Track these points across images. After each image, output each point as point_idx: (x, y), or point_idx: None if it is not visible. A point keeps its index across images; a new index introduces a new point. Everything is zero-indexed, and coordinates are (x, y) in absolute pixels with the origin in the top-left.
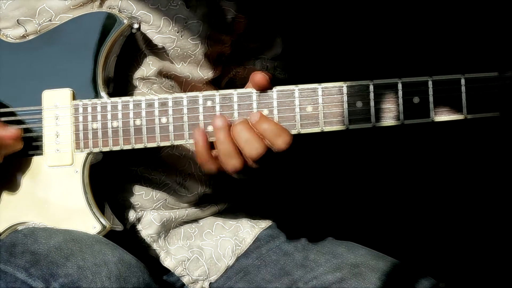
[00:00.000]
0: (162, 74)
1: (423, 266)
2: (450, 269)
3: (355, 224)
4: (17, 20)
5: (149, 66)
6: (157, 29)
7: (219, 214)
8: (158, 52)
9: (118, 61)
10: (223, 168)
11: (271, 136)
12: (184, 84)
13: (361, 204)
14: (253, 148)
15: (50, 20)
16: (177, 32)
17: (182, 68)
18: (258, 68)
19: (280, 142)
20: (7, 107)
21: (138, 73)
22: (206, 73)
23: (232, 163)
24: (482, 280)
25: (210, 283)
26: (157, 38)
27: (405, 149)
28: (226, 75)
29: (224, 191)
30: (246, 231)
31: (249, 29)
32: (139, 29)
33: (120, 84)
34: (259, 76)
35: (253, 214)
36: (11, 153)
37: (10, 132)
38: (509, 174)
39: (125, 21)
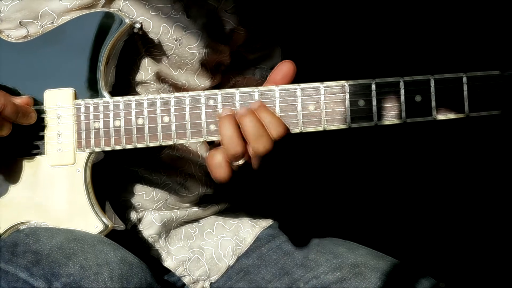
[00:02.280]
0: (160, 79)
1: (423, 266)
2: (450, 269)
3: (355, 224)
4: (20, 22)
5: (147, 71)
6: (156, 36)
7: (219, 213)
8: (156, 57)
9: (119, 63)
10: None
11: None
12: (181, 91)
13: (362, 203)
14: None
15: (52, 23)
16: (175, 41)
17: (179, 75)
18: (258, 77)
19: (273, 132)
20: None
21: (137, 77)
22: (203, 82)
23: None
24: (482, 280)
25: (211, 283)
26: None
27: (405, 148)
28: (225, 84)
29: (225, 191)
30: (247, 230)
31: (249, 41)
32: (141, 29)
33: (120, 87)
34: (288, 65)
35: (254, 214)
36: (26, 123)
37: (21, 98)
38: (509, 173)
39: (127, 21)
